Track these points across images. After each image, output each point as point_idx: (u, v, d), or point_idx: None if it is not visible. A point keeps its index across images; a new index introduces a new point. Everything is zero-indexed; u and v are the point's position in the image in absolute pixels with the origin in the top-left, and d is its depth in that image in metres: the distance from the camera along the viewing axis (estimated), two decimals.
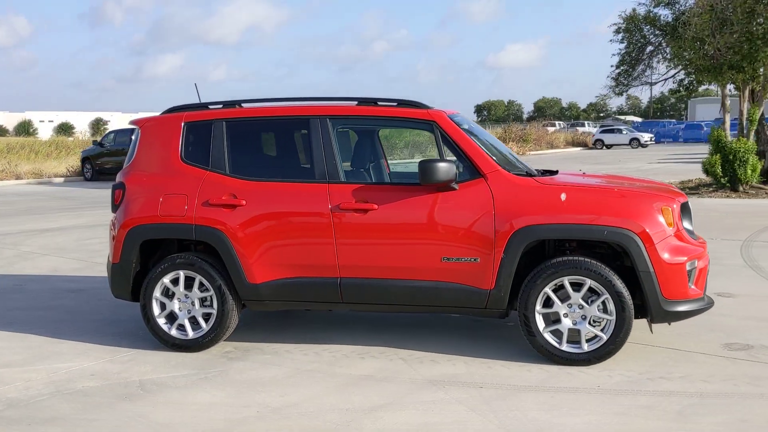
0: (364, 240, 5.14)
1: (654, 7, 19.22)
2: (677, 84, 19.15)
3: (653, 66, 19.64)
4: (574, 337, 4.95)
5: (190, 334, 5.46)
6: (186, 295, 5.47)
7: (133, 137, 5.90)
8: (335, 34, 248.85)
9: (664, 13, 19.17)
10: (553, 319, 4.97)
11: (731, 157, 15.82)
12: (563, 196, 4.91)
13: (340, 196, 5.17)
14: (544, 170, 5.56)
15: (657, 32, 19.47)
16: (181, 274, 5.43)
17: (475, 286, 5.00)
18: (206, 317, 5.46)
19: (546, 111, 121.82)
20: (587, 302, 4.88)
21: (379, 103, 5.39)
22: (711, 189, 16.22)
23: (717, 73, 15.66)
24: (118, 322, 6.45)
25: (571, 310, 4.91)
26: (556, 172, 5.55)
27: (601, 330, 4.88)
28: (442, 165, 4.91)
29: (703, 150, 20.78)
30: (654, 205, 4.86)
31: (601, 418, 4.06)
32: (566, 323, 4.92)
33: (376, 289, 5.16)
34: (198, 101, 6.12)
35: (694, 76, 16.56)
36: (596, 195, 4.98)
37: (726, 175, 15.79)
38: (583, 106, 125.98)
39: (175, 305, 5.49)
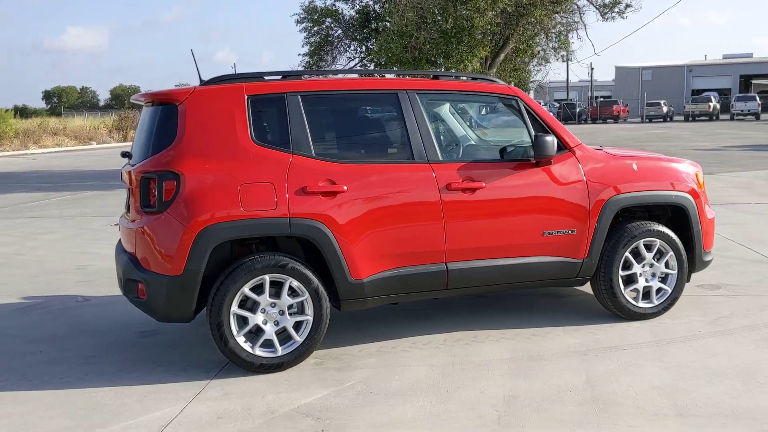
0: (472, 221, 4.92)
1: (335, 1, 20.40)
2: (364, 75, 20.57)
3: (336, 57, 20.83)
4: (635, 293, 5.47)
5: (280, 350, 4.57)
6: (273, 303, 4.55)
7: (159, 114, 4.61)
8: None
9: (345, 7, 20.47)
10: (626, 280, 5.42)
11: None
12: (635, 167, 5.39)
13: (447, 176, 4.86)
14: None
15: (335, 25, 20.70)
16: (267, 279, 4.50)
17: (571, 257, 5.19)
18: (296, 327, 4.63)
19: (124, 99, 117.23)
20: (656, 261, 5.45)
21: (453, 77, 5.17)
22: None
23: (417, 66, 17.39)
24: (109, 353, 5.00)
25: (644, 270, 5.43)
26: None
27: (666, 284, 5.50)
28: (549, 139, 4.98)
29: None
30: (694, 171, 5.64)
31: (756, 355, 4.67)
32: (641, 282, 5.42)
33: (482, 271, 4.99)
34: (196, 69, 5.09)
35: (396, 67, 18.03)
36: (656, 164, 5.56)
37: None
38: None
39: (258, 318, 4.53)
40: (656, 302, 5.47)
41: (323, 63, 20.67)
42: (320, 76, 4.97)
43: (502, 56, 19.66)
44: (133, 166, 4.85)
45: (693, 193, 5.51)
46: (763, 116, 50.96)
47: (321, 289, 4.60)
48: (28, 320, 5.98)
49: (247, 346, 4.50)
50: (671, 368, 4.48)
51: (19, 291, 6.95)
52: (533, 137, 4.99)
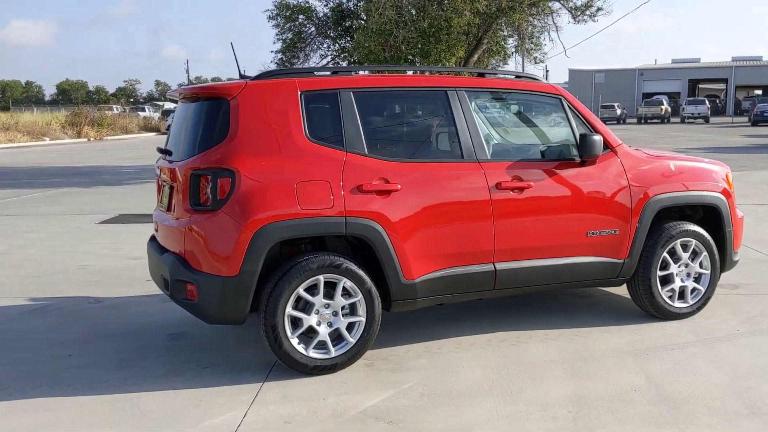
0: (521, 221, 4.88)
1: None
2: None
3: (309, 54, 20.65)
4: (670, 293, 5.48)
5: (333, 352, 4.45)
6: (327, 304, 4.43)
7: (208, 109, 4.44)
8: None
9: (318, 4, 20.29)
10: (662, 280, 5.43)
11: None
12: (673, 167, 5.42)
13: (496, 175, 4.80)
14: None
15: (308, 22, 20.51)
16: (321, 279, 4.38)
17: (612, 258, 5.18)
18: (348, 328, 4.52)
19: (71, 94, 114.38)
20: (691, 261, 5.48)
21: (498, 75, 5.13)
22: None
23: (395, 65, 17.32)
24: (144, 356, 4.80)
25: (680, 270, 5.46)
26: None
27: (699, 284, 5.54)
28: (598, 138, 4.97)
29: None
30: (724, 171, 5.70)
31: None
32: (677, 282, 5.45)
33: (529, 271, 4.95)
34: (236, 63, 4.95)
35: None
36: (692, 164, 5.59)
37: None
38: (111, 90, 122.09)
39: (313, 320, 4.40)
40: (691, 302, 5.51)
41: (296, 60, 20.48)
42: (371, 73, 4.87)
43: (475, 57, 19.73)
44: (173, 162, 4.68)
45: (725, 193, 5.57)
46: (712, 120, 52.42)
47: (374, 289, 4.50)
48: (44, 323, 5.71)
49: (301, 348, 4.38)
50: (725, 367, 4.50)
51: (23, 292, 6.64)
52: (581, 137, 4.97)
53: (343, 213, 4.35)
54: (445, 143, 4.88)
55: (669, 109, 54.37)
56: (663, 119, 53.02)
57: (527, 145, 5.33)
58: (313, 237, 4.55)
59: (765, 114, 43.96)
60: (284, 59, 20.18)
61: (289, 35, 20.27)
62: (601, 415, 3.84)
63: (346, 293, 4.47)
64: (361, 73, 4.87)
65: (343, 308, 4.48)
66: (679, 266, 5.44)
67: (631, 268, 5.27)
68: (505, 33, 19.81)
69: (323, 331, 4.42)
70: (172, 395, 4.18)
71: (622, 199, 5.15)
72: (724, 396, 4.06)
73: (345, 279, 4.42)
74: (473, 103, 4.92)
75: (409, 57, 17.26)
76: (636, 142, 29.53)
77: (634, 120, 56.78)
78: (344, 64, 20.79)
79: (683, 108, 53.48)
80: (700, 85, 75.18)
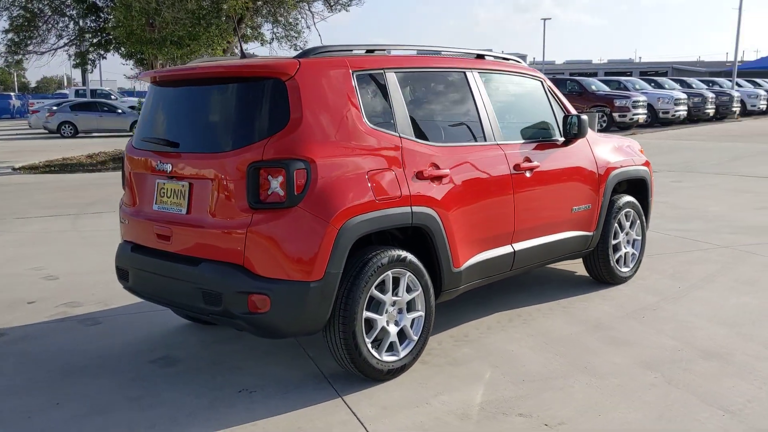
0: (531, 201, 4.95)
1: None
2: (77, 56, 18.34)
3: (44, 35, 18.30)
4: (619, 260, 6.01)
5: (401, 352, 4.14)
6: (394, 302, 4.10)
7: (251, 91, 3.79)
8: None
9: None
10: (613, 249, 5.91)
11: None
12: (616, 145, 5.90)
13: (513, 156, 4.83)
14: None
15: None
16: (390, 275, 4.04)
17: (585, 231, 5.51)
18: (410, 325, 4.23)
19: None
20: (631, 228, 6.04)
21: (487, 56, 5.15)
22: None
23: (160, 46, 16.12)
24: (153, 391, 3.99)
25: (624, 238, 5.99)
26: None
27: (635, 249, 6.13)
28: (586, 118, 5.24)
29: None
30: (639, 146, 6.34)
31: (748, 299, 5.50)
32: (624, 249, 5.97)
33: (535, 250, 5.05)
34: (239, 41, 4.35)
35: (138, 48, 16.34)
36: (623, 141, 6.11)
37: None
38: None
39: (383, 320, 4.04)
40: (630, 266, 6.08)
41: (30, 42, 18.04)
42: (406, 52, 4.58)
43: (234, 41, 19.11)
44: (191, 154, 3.96)
45: (647, 165, 6.22)
46: None
47: (429, 282, 4.26)
48: None
49: (375, 353, 4.00)
50: (713, 320, 5.06)
51: None
52: (572, 117, 5.19)
53: (408, 203, 4.05)
54: (471, 125, 4.73)
55: None
56: None
57: (521, 126, 5.38)
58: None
59: None
60: (16, 40, 17.60)
61: (17, 12, 17.72)
62: (685, 376, 4.09)
63: (407, 288, 4.17)
64: (393, 52, 4.51)
65: (406, 304, 4.19)
66: (623, 234, 5.96)
67: (596, 240, 5.65)
68: (265, 18, 19.46)
69: (393, 331, 4.08)
70: (254, 428, 3.55)
71: (593, 176, 5.49)
72: (745, 344, 4.58)
73: (408, 273, 4.12)
74: (485, 84, 4.87)
75: (177, 39, 16.13)
76: None
77: None
78: (86, 45, 18.82)
79: None
80: None
